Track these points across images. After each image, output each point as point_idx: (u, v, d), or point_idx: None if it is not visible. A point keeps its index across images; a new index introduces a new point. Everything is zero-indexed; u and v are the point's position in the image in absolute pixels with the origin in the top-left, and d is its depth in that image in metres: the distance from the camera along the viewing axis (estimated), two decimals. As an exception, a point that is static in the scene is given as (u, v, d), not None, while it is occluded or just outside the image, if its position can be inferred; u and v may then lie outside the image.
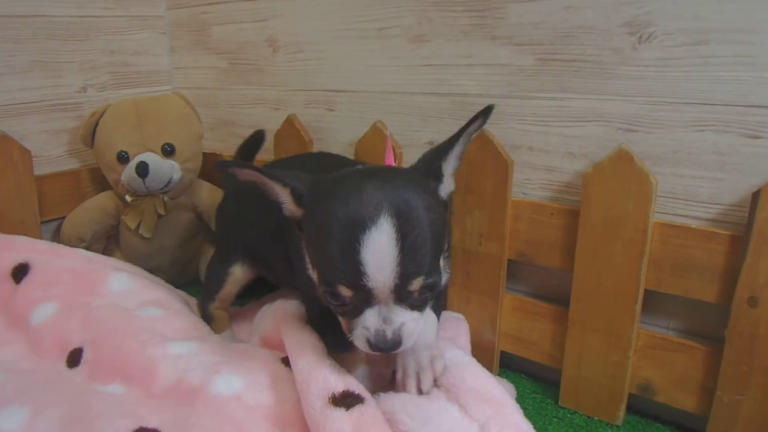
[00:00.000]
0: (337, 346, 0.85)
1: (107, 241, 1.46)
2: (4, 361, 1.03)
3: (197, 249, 1.46)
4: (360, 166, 0.83)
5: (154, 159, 1.29)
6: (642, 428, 0.96)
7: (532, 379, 1.10)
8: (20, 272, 1.15)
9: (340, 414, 0.75)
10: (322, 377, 0.80)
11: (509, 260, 1.04)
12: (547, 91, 0.98)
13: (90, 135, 1.36)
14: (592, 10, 0.91)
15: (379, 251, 0.66)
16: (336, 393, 0.77)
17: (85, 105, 1.45)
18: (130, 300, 1.12)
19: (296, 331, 0.94)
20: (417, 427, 0.75)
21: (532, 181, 1.03)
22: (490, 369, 1.07)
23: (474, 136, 0.83)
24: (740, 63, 0.80)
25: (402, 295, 0.70)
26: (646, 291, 0.91)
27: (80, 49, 1.44)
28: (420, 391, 0.81)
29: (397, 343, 0.71)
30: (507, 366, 1.11)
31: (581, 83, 0.94)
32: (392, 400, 0.81)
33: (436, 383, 0.82)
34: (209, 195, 1.42)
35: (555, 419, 0.99)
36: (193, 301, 1.25)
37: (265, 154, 1.39)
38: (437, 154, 0.76)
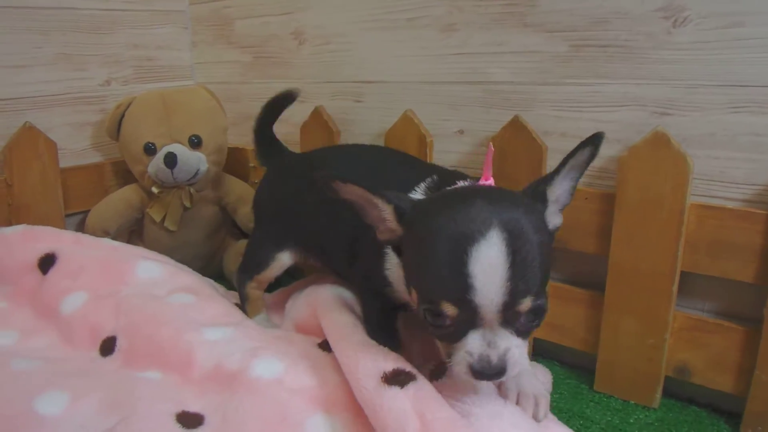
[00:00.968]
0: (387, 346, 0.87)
1: (130, 236, 1.51)
2: (36, 349, 1.07)
3: (221, 243, 1.51)
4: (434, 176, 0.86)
5: (181, 150, 1.35)
6: (678, 411, 1.01)
7: (565, 366, 1.15)
8: (47, 263, 1.20)
9: (395, 392, 0.77)
10: (370, 357, 0.83)
11: (543, 246, 1.10)
12: (580, 77, 1.04)
13: (115, 127, 1.42)
14: (625, -4, 0.97)
15: (489, 265, 0.65)
16: (387, 372, 0.80)
17: (108, 98, 1.52)
18: (159, 287, 1.16)
19: (336, 314, 0.99)
20: (472, 404, 0.80)
21: (566, 166, 1.09)
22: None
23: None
24: (774, 45, 0.86)
25: (509, 317, 0.68)
26: (680, 273, 0.96)
27: (104, 43, 1.51)
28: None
29: (502, 370, 0.69)
30: (540, 354, 1.16)
31: (615, 68, 1.00)
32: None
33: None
34: (235, 189, 1.48)
35: (591, 403, 1.04)
36: (222, 287, 1.30)
37: (292, 146, 1.44)
38: (543, 180, 0.77)
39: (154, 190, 1.38)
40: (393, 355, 0.85)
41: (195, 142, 1.38)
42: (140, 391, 0.91)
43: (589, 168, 1.06)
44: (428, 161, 1.20)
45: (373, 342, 0.89)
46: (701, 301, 1.01)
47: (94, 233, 1.42)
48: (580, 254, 1.10)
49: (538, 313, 0.70)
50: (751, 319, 0.95)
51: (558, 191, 0.77)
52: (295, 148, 1.43)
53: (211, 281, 1.31)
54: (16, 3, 1.36)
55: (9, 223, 1.31)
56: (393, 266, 0.87)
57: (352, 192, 0.75)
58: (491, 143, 0.88)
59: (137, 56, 1.57)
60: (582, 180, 1.06)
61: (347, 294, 1.08)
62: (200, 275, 1.30)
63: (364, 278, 0.97)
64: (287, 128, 1.40)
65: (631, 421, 0.99)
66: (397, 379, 0.79)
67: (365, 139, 1.34)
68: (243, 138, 1.59)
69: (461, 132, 1.21)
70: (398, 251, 0.81)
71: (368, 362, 0.83)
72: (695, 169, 0.93)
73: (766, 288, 0.89)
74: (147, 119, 1.38)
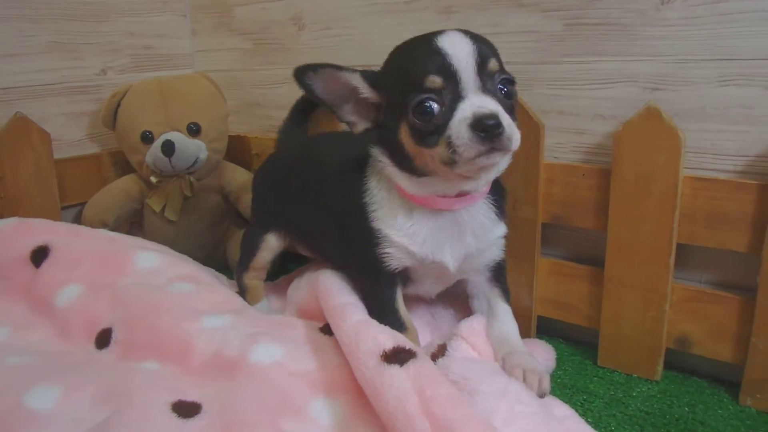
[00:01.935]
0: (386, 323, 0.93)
1: (129, 227, 1.56)
2: (31, 343, 1.09)
3: (225, 233, 1.55)
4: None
5: (179, 138, 1.41)
6: (680, 382, 1.08)
7: (570, 342, 1.22)
8: (40, 255, 1.22)
9: (395, 370, 0.80)
10: (371, 336, 0.87)
11: (543, 224, 1.17)
12: (575, 55, 1.12)
13: (112, 116, 1.47)
14: (617, -25, 1.05)
15: (456, 39, 0.86)
16: (387, 350, 0.84)
17: (105, 88, 1.57)
18: (159, 277, 1.19)
19: (335, 294, 1.03)
20: (478, 382, 0.86)
21: (563, 144, 1.17)
22: (527, 335, 1.20)
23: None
24: (761, 18, 0.94)
25: (486, 82, 0.84)
26: (677, 246, 1.03)
27: (99, 31, 1.56)
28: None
29: (498, 121, 0.80)
30: (544, 331, 1.23)
31: (608, 46, 1.08)
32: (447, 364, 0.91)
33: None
34: (237, 177, 1.52)
35: (595, 378, 1.11)
36: (224, 276, 1.36)
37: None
38: None
39: (153, 179, 1.44)
40: (392, 332, 0.89)
41: (194, 130, 1.43)
42: (136, 383, 0.93)
43: (585, 145, 1.15)
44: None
45: (374, 321, 0.93)
46: (699, 272, 1.09)
47: (91, 225, 1.45)
48: (581, 230, 1.18)
49: (509, 80, 0.87)
50: (747, 288, 1.02)
51: None
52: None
53: (213, 271, 1.36)
54: (6, -10, 1.38)
55: (1, 216, 1.33)
56: (380, 216, 0.97)
57: (324, 77, 0.89)
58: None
59: (135, 44, 1.63)
60: (579, 157, 1.16)
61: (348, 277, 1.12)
62: (200, 264, 1.34)
63: (359, 258, 1.02)
64: (287, 114, 1.46)
65: (634, 394, 1.05)
66: (397, 357, 0.83)
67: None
68: (245, 126, 1.65)
69: (460, 114, 1.28)
70: (380, 131, 0.93)
71: (368, 340, 0.86)
72: (687, 142, 1.00)
73: (759, 257, 0.97)
74: (144, 107, 1.43)
